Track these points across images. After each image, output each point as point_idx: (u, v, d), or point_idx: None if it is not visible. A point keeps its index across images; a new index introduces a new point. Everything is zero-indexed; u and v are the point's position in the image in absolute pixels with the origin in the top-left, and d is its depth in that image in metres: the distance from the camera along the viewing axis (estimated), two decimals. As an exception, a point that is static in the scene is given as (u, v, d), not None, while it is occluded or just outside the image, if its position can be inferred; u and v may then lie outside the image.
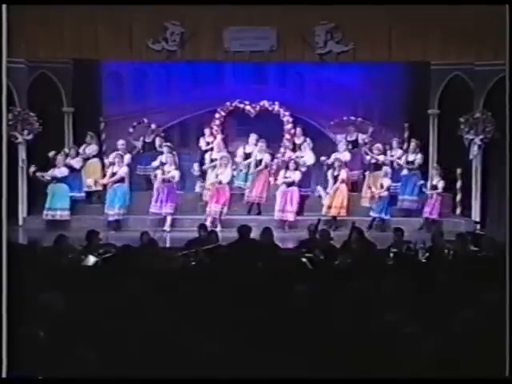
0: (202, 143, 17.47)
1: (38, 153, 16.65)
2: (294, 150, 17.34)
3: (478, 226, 15.88)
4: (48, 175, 16.28)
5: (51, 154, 16.47)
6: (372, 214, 16.42)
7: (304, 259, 9.44)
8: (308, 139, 17.16)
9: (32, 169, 16.24)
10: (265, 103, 17.73)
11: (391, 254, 10.38)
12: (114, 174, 16.55)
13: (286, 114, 17.64)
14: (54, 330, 5.62)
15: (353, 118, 17.49)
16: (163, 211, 16.35)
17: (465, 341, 5.51)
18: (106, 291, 7.06)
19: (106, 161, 17.04)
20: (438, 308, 6.42)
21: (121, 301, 6.61)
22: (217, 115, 17.68)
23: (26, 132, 16.54)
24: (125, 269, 8.47)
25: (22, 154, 16.66)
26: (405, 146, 17.12)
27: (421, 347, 5.38)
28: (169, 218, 16.32)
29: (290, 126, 17.59)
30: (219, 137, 17.47)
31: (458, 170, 16.63)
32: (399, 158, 16.84)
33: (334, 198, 16.38)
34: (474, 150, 16.43)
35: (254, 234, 11.71)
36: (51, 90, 17.10)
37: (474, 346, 5.41)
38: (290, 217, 16.31)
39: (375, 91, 17.69)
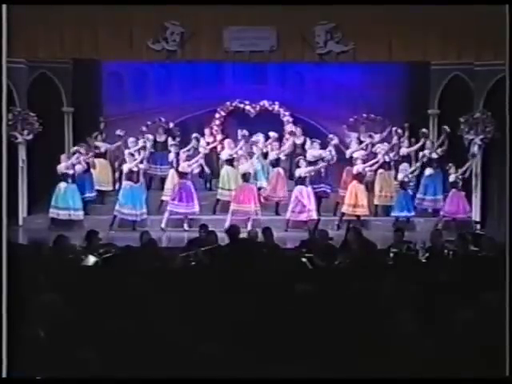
0: (203, 143, 17.45)
1: (38, 153, 16.65)
2: (294, 150, 17.31)
3: (478, 226, 15.90)
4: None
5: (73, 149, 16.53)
6: (394, 213, 16.33)
7: (304, 259, 9.43)
8: (315, 139, 17.05)
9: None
10: (265, 103, 17.75)
11: (391, 254, 10.37)
12: (130, 171, 16.35)
13: (286, 113, 17.66)
14: (54, 330, 5.62)
15: (373, 115, 17.47)
16: (180, 210, 16.27)
17: (465, 341, 5.51)
18: (106, 291, 7.06)
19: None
20: (437, 308, 6.42)
21: (121, 301, 6.61)
22: (217, 115, 17.71)
23: (26, 132, 16.55)
24: (125, 269, 8.47)
25: (22, 154, 16.68)
26: (406, 143, 17.09)
27: (421, 347, 5.38)
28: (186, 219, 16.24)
29: (290, 125, 17.59)
30: (219, 136, 17.46)
31: (458, 170, 16.62)
32: (423, 157, 16.74)
33: (357, 197, 16.20)
34: (474, 149, 16.43)
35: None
36: (51, 90, 17.11)
37: (474, 345, 5.41)
38: (311, 216, 16.03)
39: (375, 91, 17.70)
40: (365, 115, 17.54)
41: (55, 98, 17.20)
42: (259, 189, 16.63)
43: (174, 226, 16.25)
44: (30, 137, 16.59)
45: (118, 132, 17.20)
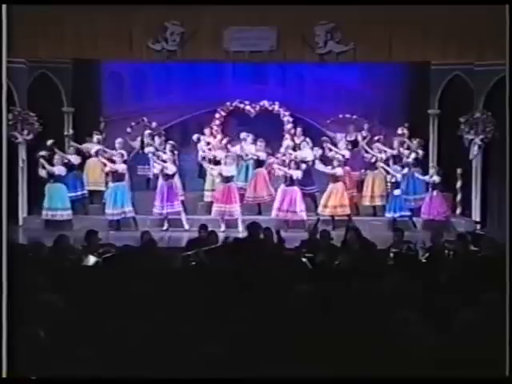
0: (203, 143, 17.44)
1: (38, 153, 16.63)
2: (294, 149, 17.29)
3: (478, 226, 15.92)
4: (48, 169, 16.17)
5: (49, 142, 16.41)
6: (388, 214, 16.33)
7: (304, 259, 9.43)
8: (308, 139, 17.12)
9: (42, 153, 16.16)
10: (265, 103, 17.74)
11: (391, 254, 10.37)
12: (115, 172, 16.45)
13: (286, 114, 17.65)
14: (55, 330, 5.62)
15: (348, 115, 17.48)
16: (164, 211, 16.29)
17: (465, 341, 5.51)
18: (106, 291, 7.06)
19: (104, 159, 17.01)
20: (437, 308, 6.42)
21: (121, 301, 6.61)
22: (217, 115, 17.70)
23: (25, 132, 16.58)
24: (125, 269, 8.46)
25: (22, 154, 16.70)
26: (405, 145, 17.09)
27: (421, 347, 5.38)
28: (165, 220, 16.26)
29: (290, 125, 17.59)
30: (219, 136, 17.47)
31: (458, 170, 16.64)
32: (399, 155, 16.77)
33: (329, 197, 16.26)
34: (474, 149, 16.44)
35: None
36: (51, 90, 17.12)
37: (474, 345, 5.41)
38: (292, 216, 16.15)
39: (375, 91, 17.71)
40: (341, 116, 17.50)
41: (55, 98, 17.21)
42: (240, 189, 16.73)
43: (175, 226, 16.27)
44: (30, 137, 16.61)
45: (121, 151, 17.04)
